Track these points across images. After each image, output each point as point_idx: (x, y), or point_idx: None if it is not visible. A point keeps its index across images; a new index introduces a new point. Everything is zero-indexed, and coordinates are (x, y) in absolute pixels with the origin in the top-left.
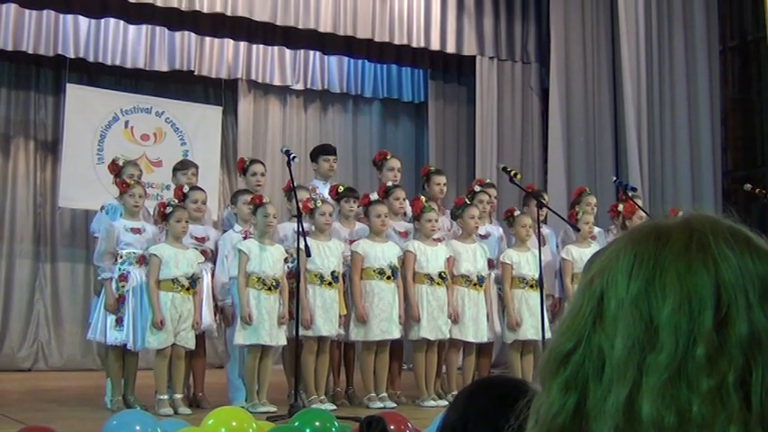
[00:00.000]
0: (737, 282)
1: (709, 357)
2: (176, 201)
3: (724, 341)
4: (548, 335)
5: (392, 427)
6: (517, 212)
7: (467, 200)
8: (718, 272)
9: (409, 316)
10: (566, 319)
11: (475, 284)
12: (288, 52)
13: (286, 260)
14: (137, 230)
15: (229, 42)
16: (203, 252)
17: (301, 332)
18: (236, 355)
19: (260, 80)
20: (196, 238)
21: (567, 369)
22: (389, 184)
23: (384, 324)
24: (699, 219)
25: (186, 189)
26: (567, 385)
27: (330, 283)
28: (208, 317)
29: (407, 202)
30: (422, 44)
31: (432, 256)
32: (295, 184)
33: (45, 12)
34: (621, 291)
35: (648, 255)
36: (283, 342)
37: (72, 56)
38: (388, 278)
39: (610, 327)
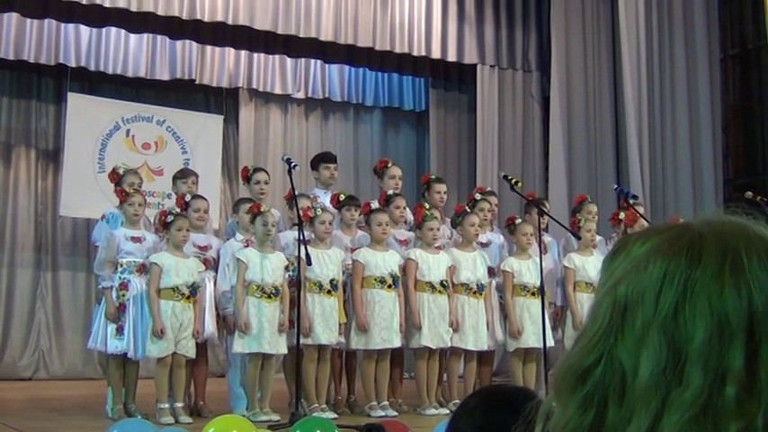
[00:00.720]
0: None
1: (738, 398)
2: (178, 209)
3: (753, 380)
4: (549, 343)
5: None
6: (518, 220)
7: (467, 208)
8: (752, 299)
9: (410, 324)
10: (586, 329)
11: (475, 292)
12: (289, 61)
13: (287, 268)
14: (137, 239)
15: (230, 51)
16: (205, 261)
17: (302, 340)
18: (238, 364)
19: (261, 89)
20: (199, 247)
21: (586, 385)
22: (390, 192)
23: (385, 333)
24: (733, 231)
25: (188, 198)
26: (586, 402)
27: (329, 292)
28: (210, 325)
29: (408, 210)
30: (423, 53)
31: (433, 265)
32: (296, 192)
33: (46, 21)
34: (648, 310)
35: (680, 273)
36: (284, 350)
37: (73, 65)
38: (389, 287)
39: (633, 346)
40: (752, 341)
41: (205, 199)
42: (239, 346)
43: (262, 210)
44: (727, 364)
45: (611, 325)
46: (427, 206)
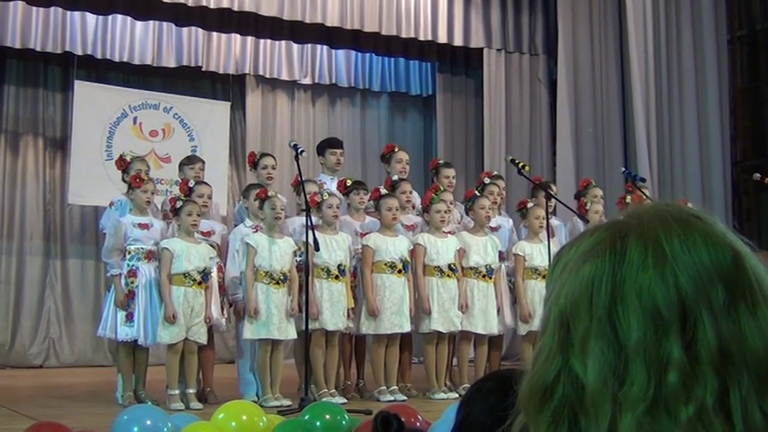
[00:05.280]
0: (699, 288)
1: (683, 384)
2: (182, 195)
3: (695, 362)
4: None
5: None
6: (530, 204)
7: (476, 192)
8: (678, 285)
9: (420, 309)
10: (542, 346)
11: (484, 276)
12: (295, 47)
13: (295, 253)
14: (145, 226)
15: (237, 37)
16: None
17: (310, 326)
18: (248, 350)
19: (268, 75)
20: (201, 233)
21: (552, 402)
22: (395, 177)
23: (395, 317)
24: (651, 219)
25: (192, 184)
26: (556, 419)
27: (337, 277)
28: (215, 311)
29: (415, 194)
30: (429, 37)
31: (442, 249)
32: (303, 178)
33: (52, 9)
34: (585, 317)
35: (607, 275)
36: (293, 336)
37: (80, 53)
38: (399, 272)
39: (581, 355)
40: (687, 327)
41: (208, 185)
42: (249, 332)
43: (269, 195)
44: (666, 354)
45: (561, 338)
46: (441, 189)
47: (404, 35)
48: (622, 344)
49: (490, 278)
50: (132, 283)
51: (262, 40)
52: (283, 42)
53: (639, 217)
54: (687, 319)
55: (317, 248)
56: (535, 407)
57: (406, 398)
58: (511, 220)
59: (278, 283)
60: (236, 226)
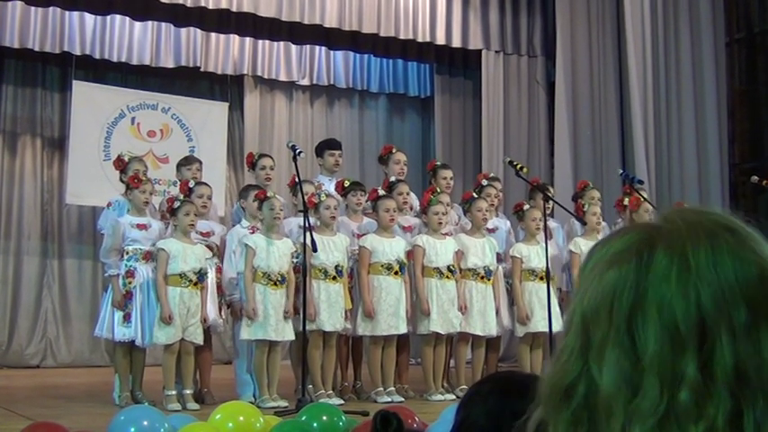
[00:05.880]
0: (720, 307)
1: (695, 402)
2: (182, 195)
3: (710, 381)
4: (555, 328)
5: None
6: (526, 207)
7: (474, 194)
8: (699, 301)
9: (419, 310)
10: (564, 345)
11: (482, 278)
12: (293, 48)
13: (293, 254)
14: (142, 226)
15: (235, 38)
16: (208, 247)
17: (307, 327)
18: (245, 351)
19: (266, 76)
20: (201, 233)
21: (571, 404)
22: (392, 178)
23: (391, 319)
24: (680, 227)
25: (192, 184)
26: (575, 420)
27: (335, 278)
28: (212, 312)
29: (412, 196)
30: (427, 38)
31: (441, 250)
32: (300, 178)
33: (51, 9)
34: (604, 324)
35: (629, 283)
36: (291, 337)
37: (78, 53)
38: (396, 273)
39: (598, 361)
40: (705, 345)
41: (208, 185)
42: (246, 332)
43: (268, 195)
44: (680, 371)
45: (583, 341)
46: (438, 190)
47: (402, 36)
48: (639, 355)
49: (488, 280)
50: (130, 283)
51: (260, 41)
52: (282, 43)
53: (673, 223)
54: (705, 338)
55: (314, 249)
56: (555, 406)
57: (403, 399)
58: (508, 222)
59: (276, 284)
60: (233, 227)
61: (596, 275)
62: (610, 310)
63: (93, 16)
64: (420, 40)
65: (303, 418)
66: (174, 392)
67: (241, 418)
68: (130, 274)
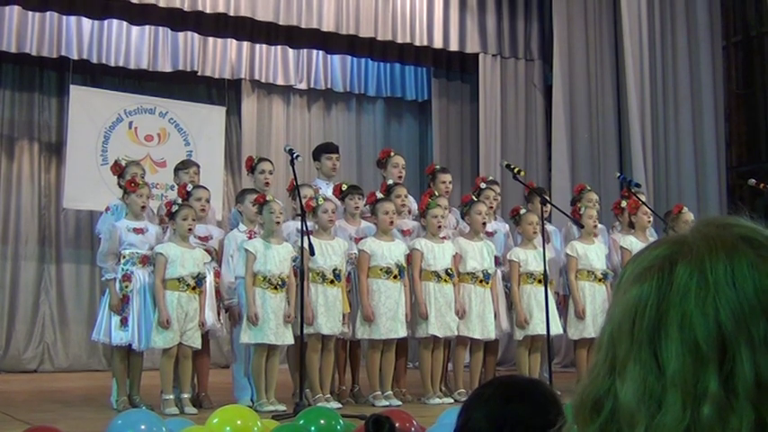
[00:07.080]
0: (740, 323)
1: (719, 416)
2: (180, 199)
3: (732, 395)
4: (553, 331)
5: (397, 425)
6: (523, 211)
7: (473, 197)
8: (719, 317)
9: (417, 314)
10: (597, 358)
11: (481, 281)
12: (291, 52)
13: (293, 259)
14: (140, 231)
15: (232, 42)
16: (207, 251)
17: (305, 330)
18: (242, 355)
19: (263, 80)
20: (199, 238)
21: (600, 417)
22: (390, 182)
23: (390, 323)
24: (700, 240)
25: (190, 188)
26: None
27: (332, 282)
28: (211, 316)
29: (411, 199)
30: (425, 42)
31: (439, 254)
32: (298, 182)
33: (48, 13)
34: (626, 342)
35: (652, 300)
36: (290, 341)
37: (75, 57)
38: (395, 277)
39: (622, 376)
40: (726, 361)
41: (206, 189)
42: (246, 336)
43: (267, 199)
44: (703, 387)
45: (610, 356)
46: (436, 193)
47: (399, 40)
48: (662, 370)
49: (487, 283)
50: (127, 287)
51: (257, 45)
52: (279, 47)
53: (695, 238)
54: (726, 353)
55: (312, 253)
56: (584, 419)
57: (401, 403)
58: (507, 225)
59: (275, 288)
60: (230, 231)
61: (623, 292)
62: (632, 326)
63: (90, 21)
64: (417, 43)
65: (301, 422)
66: (171, 396)
67: (239, 422)
68: (127, 278)
